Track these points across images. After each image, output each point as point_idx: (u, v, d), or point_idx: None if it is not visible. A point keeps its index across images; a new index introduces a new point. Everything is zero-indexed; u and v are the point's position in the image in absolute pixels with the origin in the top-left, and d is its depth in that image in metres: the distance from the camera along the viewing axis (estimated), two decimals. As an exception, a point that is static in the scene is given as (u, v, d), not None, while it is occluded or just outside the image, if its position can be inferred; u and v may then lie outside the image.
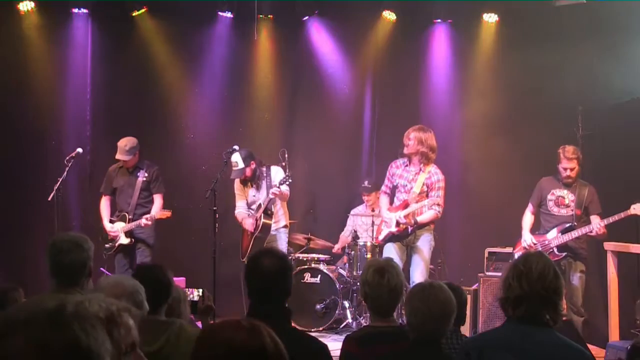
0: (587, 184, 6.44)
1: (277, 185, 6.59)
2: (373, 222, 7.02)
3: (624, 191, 6.80)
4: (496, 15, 7.96)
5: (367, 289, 3.22)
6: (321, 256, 7.57)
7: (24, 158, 7.59)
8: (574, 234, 6.21)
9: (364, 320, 6.86)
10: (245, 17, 8.05)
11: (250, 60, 8.27)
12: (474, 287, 6.94)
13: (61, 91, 7.83)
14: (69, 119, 7.86)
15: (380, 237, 6.46)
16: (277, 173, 6.93)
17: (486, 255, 6.94)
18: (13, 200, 7.54)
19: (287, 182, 6.61)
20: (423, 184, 6.22)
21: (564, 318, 2.93)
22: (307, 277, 7.18)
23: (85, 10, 7.77)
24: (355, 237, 7.54)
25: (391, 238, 6.32)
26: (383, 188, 6.54)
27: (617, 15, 7.00)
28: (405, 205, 6.24)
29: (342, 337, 3.53)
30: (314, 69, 8.39)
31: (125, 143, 6.71)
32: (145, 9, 7.89)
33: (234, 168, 6.83)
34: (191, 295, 4.29)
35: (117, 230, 6.74)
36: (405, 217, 6.18)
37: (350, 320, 7.10)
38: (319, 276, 7.18)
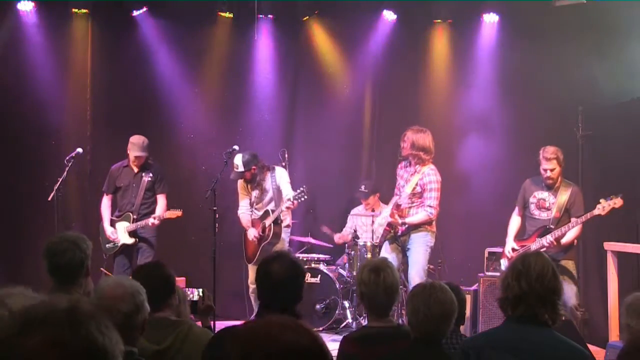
0: (570, 184, 6.24)
1: (292, 199, 6.52)
2: (373, 222, 7.03)
3: (624, 191, 6.79)
4: (496, 15, 7.96)
5: (363, 289, 3.22)
6: (321, 256, 7.58)
7: (24, 158, 7.59)
8: (549, 238, 5.98)
9: (364, 320, 6.86)
10: (245, 17, 8.05)
11: (250, 60, 8.27)
12: (474, 287, 6.94)
13: (61, 91, 7.83)
14: (69, 119, 7.87)
15: (379, 238, 6.47)
16: (282, 175, 6.94)
17: (486, 255, 6.94)
18: (13, 200, 7.54)
19: (303, 199, 6.59)
20: (416, 185, 6.20)
21: (563, 318, 2.92)
22: (307, 277, 7.17)
23: (85, 10, 7.77)
24: (355, 237, 7.55)
25: (388, 239, 6.32)
26: (396, 190, 6.52)
27: (617, 15, 7.00)
28: (397, 205, 6.24)
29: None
30: (314, 69, 8.38)
31: (142, 140, 6.74)
32: (145, 9, 7.89)
33: (234, 169, 6.84)
34: (191, 295, 4.28)
35: (117, 234, 6.74)
36: (391, 215, 6.18)
37: (350, 320, 7.11)
38: (319, 276, 7.19)
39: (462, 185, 8.00)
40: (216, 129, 8.21)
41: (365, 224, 7.76)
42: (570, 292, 5.86)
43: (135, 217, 6.73)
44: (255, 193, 6.99)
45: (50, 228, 6.44)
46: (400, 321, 6.05)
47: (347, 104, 8.46)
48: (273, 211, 6.82)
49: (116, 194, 6.93)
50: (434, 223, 6.32)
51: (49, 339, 1.20)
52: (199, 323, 3.82)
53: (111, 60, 7.94)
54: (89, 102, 7.90)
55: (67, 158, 6.71)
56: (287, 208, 6.59)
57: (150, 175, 6.79)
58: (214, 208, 6.38)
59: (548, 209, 6.19)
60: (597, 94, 7.22)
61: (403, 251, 6.26)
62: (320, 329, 7.01)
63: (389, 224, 6.25)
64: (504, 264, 6.40)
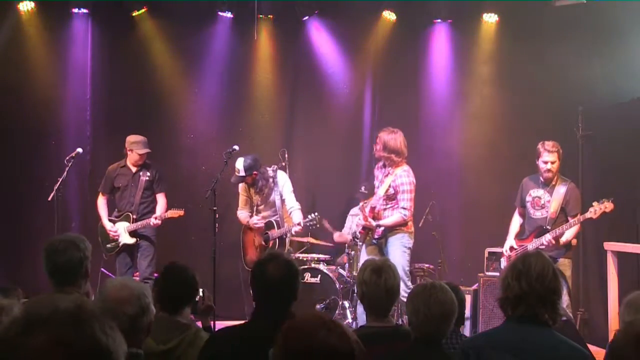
0: (567, 180, 6.16)
1: (302, 224, 6.61)
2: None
3: (624, 191, 6.79)
4: (496, 15, 7.96)
5: (364, 289, 3.21)
6: (321, 256, 7.57)
7: (24, 158, 7.59)
8: (548, 236, 5.92)
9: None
10: (245, 17, 8.05)
11: (250, 60, 8.27)
12: (474, 287, 6.94)
13: (61, 91, 7.83)
14: (69, 119, 7.87)
15: (360, 240, 6.48)
16: (285, 183, 6.95)
17: (486, 255, 6.93)
18: (13, 200, 7.54)
19: (315, 227, 6.70)
20: (389, 187, 6.19)
21: (563, 318, 2.92)
22: (307, 277, 7.17)
23: (85, 10, 7.78)
24: (355, 237, 7.54)
25: (368, 240, 6.32)
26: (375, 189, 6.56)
27: (617, 15, 6.99)
28: (372, 208, 6.24)
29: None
30: (314, 69, 8.38)
31: (141, 137, 6.76)
32: (145, 9, 7.89)
33: (235, 173, 6.83)
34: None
35: (118, 229, 6.74)
36: (364, 219, 6.18)
37: (350, 320, 7.10)
38: (319, 276, 7.18)
39: (462, 186, 8.01)
40: (216, 129, 8.20)
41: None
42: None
43: (134, 217, 6.73)
44: (256, 197, 7.01)
45: (50, 228, 6.44)
46: (400, 321, 6.05)
47: (346, 104, 8.45)
48: (277, 222, 6.86)
49: (114, 195, 6.92)
50: (410, 224, 6.30)
51: (53, 338, 1.20)
52: (199, 323, 3.82)
53: (111, 60, 7.94)
54: (89, 102, 7.90)
55: (67, 158, 6.71)
56: (296, 232, 6.66)
57: (148, 174, 6.79)
58: (214, 208, 6.37)
59: (543, 207, 6.14)
60: (597, 94, 7.22)
61: (381, 254, 6.25)
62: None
63: (364, 227, 6.24)
64: (503, 263, 6.40)
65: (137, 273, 6.78)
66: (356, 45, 8.34)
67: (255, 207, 7.06)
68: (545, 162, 6.05)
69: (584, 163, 7.20)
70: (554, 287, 2.63)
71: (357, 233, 6.39)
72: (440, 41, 8.26)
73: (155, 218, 6.62)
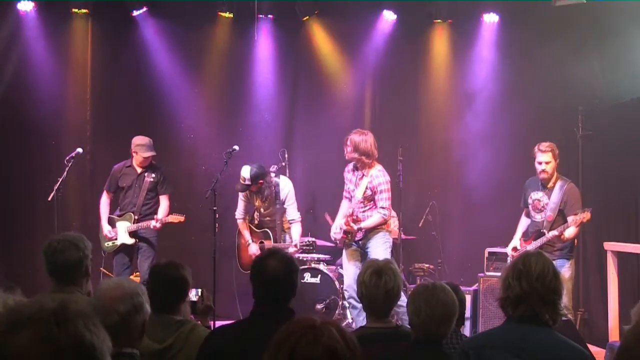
0: (566, 180, 6.12)
1: (301, 248, 6.74)
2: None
3: (624, 191, 6.80)
4: (496, 15, 7.96)
5: (363, 290, 3.21)
6: (321, 256, 7.57)
7: (24, 158, 7.59)
8: (553, 232, 5.92)
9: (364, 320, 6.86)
10: (245, 17, 8.05)
11: (250, 60, 8.27)
12: (474, 287, 6.94)
13: (61, 91, 7.83)
14: (69, 119, 7.87)
15: (339, 243, 6.48)
16: (288, 193, 6.96)
17: (486, 255, 6.93)
18: (13, 200, 7.54)
19: (310, 252, 6.89)
20: (366, 188, 6.19)
21: (563, 318, 2.92)
22: (307, 277, 7.17)
23: (85, 10, 7.77)
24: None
25: (348, 243, 6.31)
26: (344, 193, 6.53)
27: (617, 15, 7.00)
28: (352, 212, 6.23)
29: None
30: (314, 69, 8.38)
31: (147, 139, 6.74)
32: (145, 9, 7.89)
33: (241, 182, 6.80)
34: (190, 295, 4.28)
35: (118, 229, 6.73)
36: (346, 223, 6.19)
37: (350, 320, 7.10)
38: (319, 276, 7.18)
39: (462, 186, 8.00)
40: (216, 129, 8.20)
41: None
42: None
43: (136, 217, 6.72)
44: (258, 203, 7.01)
45: (50, 228, 6.43)
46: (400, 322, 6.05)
47: (347, 104, 8.45)
48: (273, 233, 6.92)
49: (118, 194, 6.92)
50: (389, 222, 6.31)
51: (37, 335, 1.21)
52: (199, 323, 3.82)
53: (111, 60, 7.94)
54: (89, 102, 7.90)
55: (67, 158, 6.70)
56: (293, 253, 6.64)
57: (153, 175, 6.78)
58: (214, 208, 6.37)
59: (542, 210, 6.14)
60: (597, 94, 7.22)
61: (362, 254, 6.25)
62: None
63: (345, 232, 6.24)
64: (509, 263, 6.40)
65: (138, 274, 6.78)
66: (356, 45, 8.34)
67: (256, 212, 7.07)
68: (540, 163, 6.05)
69: (584, 163, 7.20)
70: (555, 287, 2.63)
71: (340, 235, 6.34)
72: (440, 41, 8.26)
73: (156, 221, 6.61)
